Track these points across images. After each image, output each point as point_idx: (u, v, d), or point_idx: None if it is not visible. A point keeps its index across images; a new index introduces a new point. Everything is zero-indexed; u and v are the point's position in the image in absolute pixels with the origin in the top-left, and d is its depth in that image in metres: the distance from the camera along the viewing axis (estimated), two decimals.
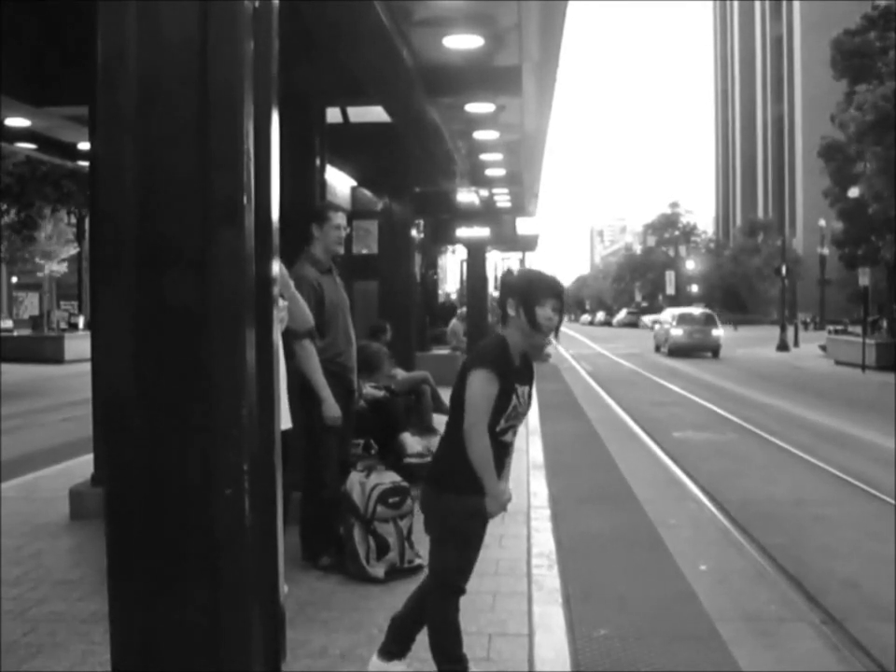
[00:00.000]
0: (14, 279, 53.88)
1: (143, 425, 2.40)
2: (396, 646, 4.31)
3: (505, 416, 4.01)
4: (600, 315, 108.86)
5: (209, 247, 2.37)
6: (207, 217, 2.37)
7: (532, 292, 4.06)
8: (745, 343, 47.25)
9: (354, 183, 14.84)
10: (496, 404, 3.95)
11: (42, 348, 32.00)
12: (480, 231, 23.37)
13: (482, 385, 3.93)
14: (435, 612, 4.20)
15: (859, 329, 36.59)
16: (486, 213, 22.59)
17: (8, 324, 45.22)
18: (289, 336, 5.49)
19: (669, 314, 41.39)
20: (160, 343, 2.38)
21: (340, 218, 6.25)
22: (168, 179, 2.38)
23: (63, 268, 48.55)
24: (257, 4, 2.46)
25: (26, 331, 39.59)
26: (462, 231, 23.49)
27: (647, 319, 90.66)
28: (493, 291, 29.18)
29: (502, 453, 4.11)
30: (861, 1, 47.23)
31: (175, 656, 2.45)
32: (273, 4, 2.57)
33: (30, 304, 53.74)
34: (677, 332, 38.02)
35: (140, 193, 2.37)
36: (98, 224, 2.86)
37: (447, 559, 4.11)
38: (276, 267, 2.57)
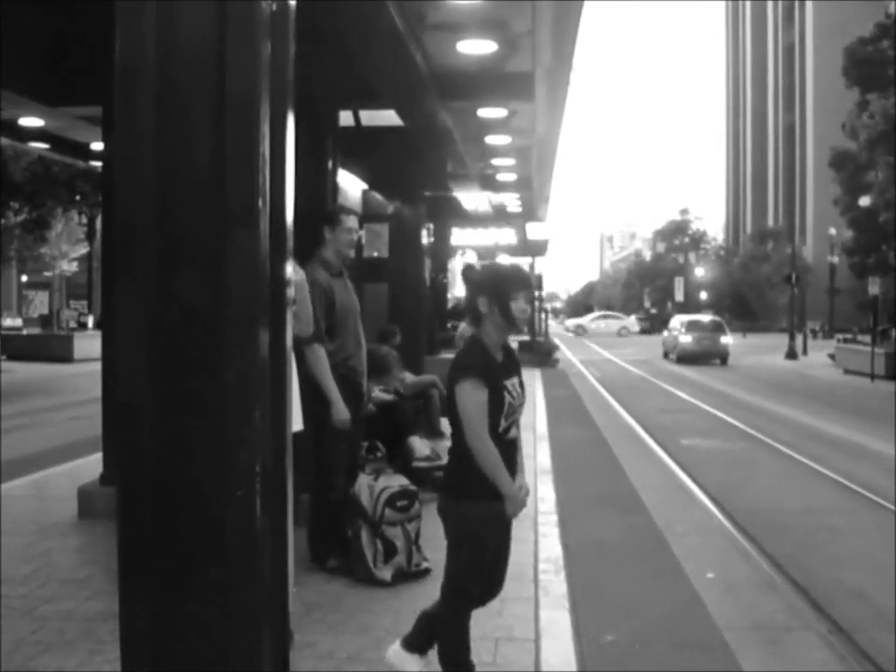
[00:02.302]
0: (24, 278, 54.01)
1: (156, 425, 2.41)
2: (420, 640, 4.31)
3: (503, 415, 3.98)
4: None
5: (224, 249, 2.38)
6: (222, 218, 2.38)
7: (504, 287, 4.05)
8: (753, 351, 47.12)
9: (365, 186, 14.86)
10: (490, 408, 3.93)
11: (51, 347, 32.06)
12: (490, 236, 23.39)
13: (470, 396, 3.91)
14: (447, 618, 4.19)
15: (868, 339, 36.47)
16: (497, 217, 22.59)
17: (18, 322, 45.34)
18: (298, 339, 5.49)
19: (678, 320, 41.29)
20: (174, 343, 2.39)
21: (352, 222, 6.25)
22: (184, 181, 2.39)
23: (74, 267, 48.65)
24: (274, 7, 2.46)
25: (35, 330, 39.68)
26: (472, 236, 23.51)
27: (569, 323, 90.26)
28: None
29: (511, 450, 4.09)
30: (874, 7, 47.16)
31: (183, 655, 2.46)
32: (290, 7, 2.58)
33: (39, 303, 53.87)
34: (685, 339, 37.93)
35: (156, 195, 2.38)
36: (113, 225, 2.88)
37: (461, 565, 4.10)
38: (290, 269, 2.57)
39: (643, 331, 79.88)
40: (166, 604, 2.46)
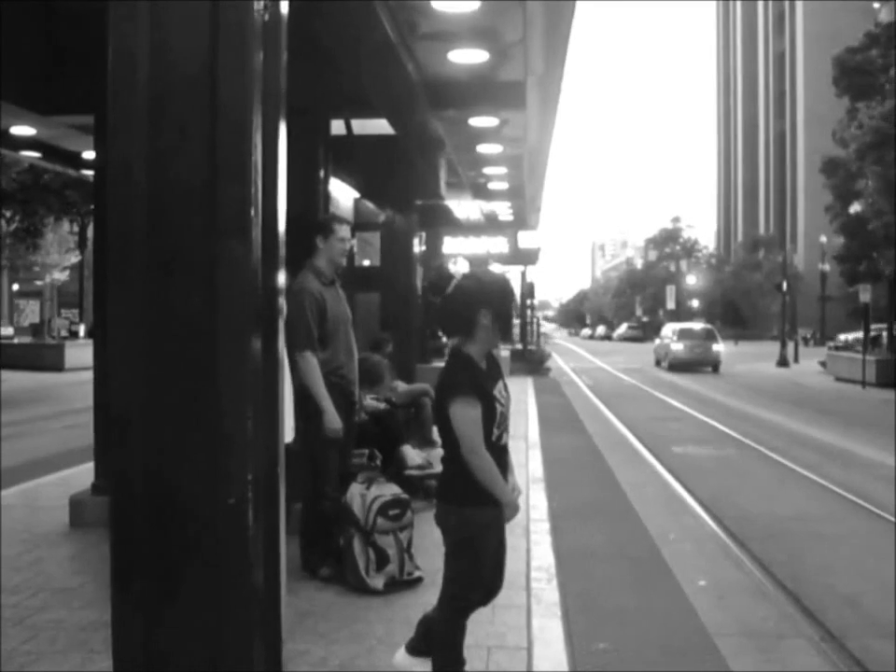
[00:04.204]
0: (15, 286, 53.87)
1: (148, 433, 2.41)
2: (424, 644, 4.31)
3: (496, 425, 4.00)
4: (600, 330, 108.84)
5: (216, 258, 2.38)
6: (215, 228, 2.39)
7: (507, 300, 4.06)
8: (745, 359, 47.22)
9: (356, 195, 14.86)
10: (484, 419, 3.94)
11: (42, 356, 31.98)
12: (481, 244, 23.42)
13: (465, 413, 3.91)
14: (443, 626, 4.19)
15: (859, 346, 36.56)
16: (488, 226, 22.62)
17: (9, 331, 45.19)
18: (291, 348, 5.49)
19: (670, 328, 41.41)
20: (166, 352, 2.40)
21: (344, 231, 6.25)
22: (176, 190, 2.40)
23: (65, 276, 48.54)
24: (266, 17, 2.47)
25: (27, 339, 39.57)
26: (463, 244, 23.53)
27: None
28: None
29: (503, 455, 4.11)
30: (865, 15, 47.36)
31: (176, 664, 2.46)
32: (282, 16, 2.59)
33: (31, 312, 53.73)
34: (677, 347, 38.04)
35: (149, 204, 2.39)
36: (105, 233, 2.89)
37: (461, 570, 4.11)
38: (283, 278, 2.58)
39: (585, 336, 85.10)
40: (158, 613, 2.46)
